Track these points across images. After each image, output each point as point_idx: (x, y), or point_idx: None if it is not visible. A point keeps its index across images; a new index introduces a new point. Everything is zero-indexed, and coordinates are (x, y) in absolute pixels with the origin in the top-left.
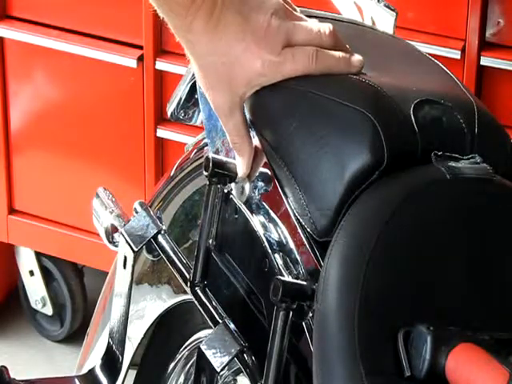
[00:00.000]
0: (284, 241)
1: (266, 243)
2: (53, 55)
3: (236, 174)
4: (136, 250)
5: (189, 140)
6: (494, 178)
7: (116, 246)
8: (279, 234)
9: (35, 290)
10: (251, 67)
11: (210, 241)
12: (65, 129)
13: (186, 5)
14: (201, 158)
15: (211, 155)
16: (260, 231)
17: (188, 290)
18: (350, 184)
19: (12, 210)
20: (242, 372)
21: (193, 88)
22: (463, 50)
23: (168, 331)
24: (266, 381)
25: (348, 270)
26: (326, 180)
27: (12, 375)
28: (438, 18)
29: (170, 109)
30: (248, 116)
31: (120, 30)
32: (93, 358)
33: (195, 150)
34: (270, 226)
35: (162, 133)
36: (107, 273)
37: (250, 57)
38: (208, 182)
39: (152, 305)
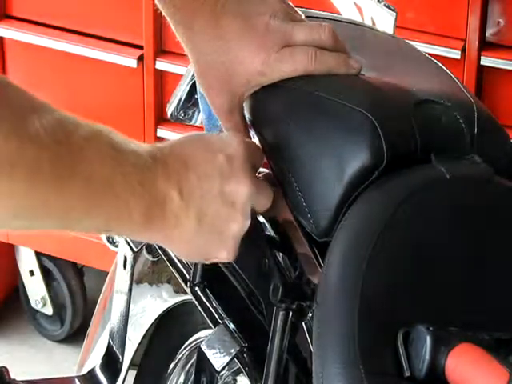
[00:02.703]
0: (284, 241)
1: (266, 243)
2: (53, 55)
3: None
4: (136, 250)
5: None
6: (494, 178)
7: (116, 246)
8: (279, 234)
9: (35, 290)
10: (250, 66)
11: None
12: None
13: (189, 0)
14: None
15: None
16: (260, 231)
17: (188, 290)
18: (350, 184)
19: None
20: (242, 372)
21: (193, 88)
22: (463, 50)
23: (168, 331)
24: (265, 381)
25: (348, 270)
26: (326, 180)
27: (12, 375)
28: (438, 18)
29: (170, 109)
30: (248, 116)
31: (120, 30)
32: (93, 358)
33: None
34: (270, 225)
35: (162, 133)
36: (107, 273)
37: (249, 56)
38: None
39: (152, 305)
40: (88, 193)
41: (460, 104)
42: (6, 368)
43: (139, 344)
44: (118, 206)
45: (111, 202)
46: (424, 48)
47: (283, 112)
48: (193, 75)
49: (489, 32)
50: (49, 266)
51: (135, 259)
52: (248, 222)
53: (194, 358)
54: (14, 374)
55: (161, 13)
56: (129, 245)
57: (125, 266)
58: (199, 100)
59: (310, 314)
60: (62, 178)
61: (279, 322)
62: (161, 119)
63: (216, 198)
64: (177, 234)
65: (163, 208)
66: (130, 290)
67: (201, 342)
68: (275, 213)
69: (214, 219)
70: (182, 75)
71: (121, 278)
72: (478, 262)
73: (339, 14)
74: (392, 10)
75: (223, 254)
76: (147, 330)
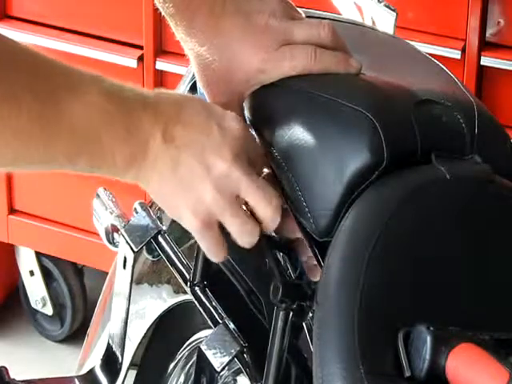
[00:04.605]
0: (284, 241)
1: (266, 243)
2: (53, 55)
3: None
4: (136, 250)
5: None
6: (494, 179)
7: (116, 246)
8: (279, 234)
9: (35, 290)
10: (250, 64)
11: None
12: None
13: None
14: None
15: None
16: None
17: (188, 290)
18: (350, 184)
19: (12, 210)
20: (242, 372)
21: (193, 88)
22: (463, 50)
23: (168, 331)
24: (266, 381)
25: (348, 270)
26: (326, 180)
27: (12, 375)
28: (438, 18)
29: None
30: (248, 116)
31: (120, 30)
32: (93, 357)
33: None
34: None
35: None
36: (107, 273)
37: (249, 54)
38: None
39: (152, 305)
40: (72, 145)
41: (460, 104)
42: (5, 368)
43: (139, 344)
44: (102, 154)
45: (95, 150)
46: (424, 48)
47: (283, 112)
48: (193, 75)
49: (489, 32)
50: (49, 266)
51: (135, 259)
52: (220, 200)
53: (194, 358)
54: (14, 374)
55: (161, 13)
56: (129, 245)
57: (125, 266)
58: None
59: (311, 314)
60: (44, 135)
61: (279, 322)
62: None
63: (195, 156)
64: (151, 177)
65: (145, 149)
66: (130, 290)
67: (201, 342)
68: (285, 232)
69: (188, 174)
70: (182, 75)
71: (121, 278)
72: (478, 261)
73: (339, 14)
74: (392, 10)
75: (186, 216)
76: (147, 330)
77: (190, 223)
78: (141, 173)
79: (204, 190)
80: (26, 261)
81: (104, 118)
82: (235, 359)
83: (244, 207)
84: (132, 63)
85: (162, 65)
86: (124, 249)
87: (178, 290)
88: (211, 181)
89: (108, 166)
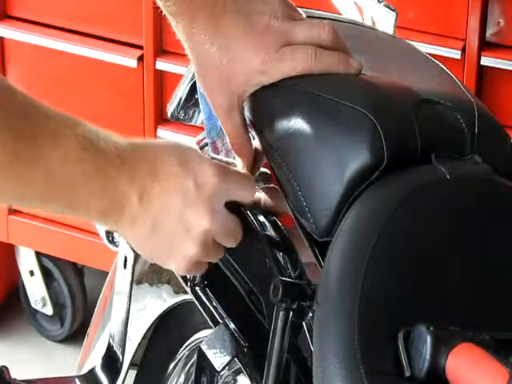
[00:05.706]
0: (284, 241)
1: (266, 243)
2: (53, 55)
3: None
4: None
5: (189, 140)
6: (494, 178)
7: (116, 246)
8: (279, 234)
9: (35, 290)
10: (250, 65)
11: None
12: None
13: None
14: None
15: (212, 155)
16: (260, 231)
17: (188, 289)
18: (350, 184)
19: (12, 210)
20: (242, 372)
21: (193, 88)
22: (463, 50)
23: (168, 331)
24: (266, 381)
25: (348, 270)
26: (326, 180)
27: (12, 375)
28: (438, 18)
29: (170, 109)
30: (248, 116)
31: (120, 30)
32: (93, 357)
33: None
34: (270, 225)
35: (162, 133)
36: (107, 273)
37: (249, 55)
38: None
39: (152, 305)
40: (46, 188)
41: (460, 104)
42: (6, 367)
43: (139, 344)
44: (76, 202)
45: (69, 197)
46: (424, 48)
47: (283, 112)
48: (193, 75)
49: (489, 32)
50: (49, 266)
51: (135, 259)
52: (203, 252)
53: (194, 357)
54: (14, 374)
55: (161, 12)
56: (129, 244)
57: (125, 266)
58: (199, 100)
59: (311, 314)
60: (19, 173)
61: (279, 322)
62: (161, 119)
63: (174, 217)
64: (131, 233)
65: (121, 208)
66: (131, 289)
67: (201, 341)
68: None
69: (168, 234)
70: (182, 75)
71: (121, 278)
72: (479, 261)
73: (339, 13)
74: (392, 10)
75: (172, 266)
76: (147, 330)
77: (176, 270)
78: (118, 227)
79: (186, 248)
80: (26, 261)
81: (79, 168)
82: (235, 359)
83: None
84: (132, 63)
85: (161, 65)
86: (124, 248)
87: (178, 290)
88: (193, 239)
89: (83, 214)
